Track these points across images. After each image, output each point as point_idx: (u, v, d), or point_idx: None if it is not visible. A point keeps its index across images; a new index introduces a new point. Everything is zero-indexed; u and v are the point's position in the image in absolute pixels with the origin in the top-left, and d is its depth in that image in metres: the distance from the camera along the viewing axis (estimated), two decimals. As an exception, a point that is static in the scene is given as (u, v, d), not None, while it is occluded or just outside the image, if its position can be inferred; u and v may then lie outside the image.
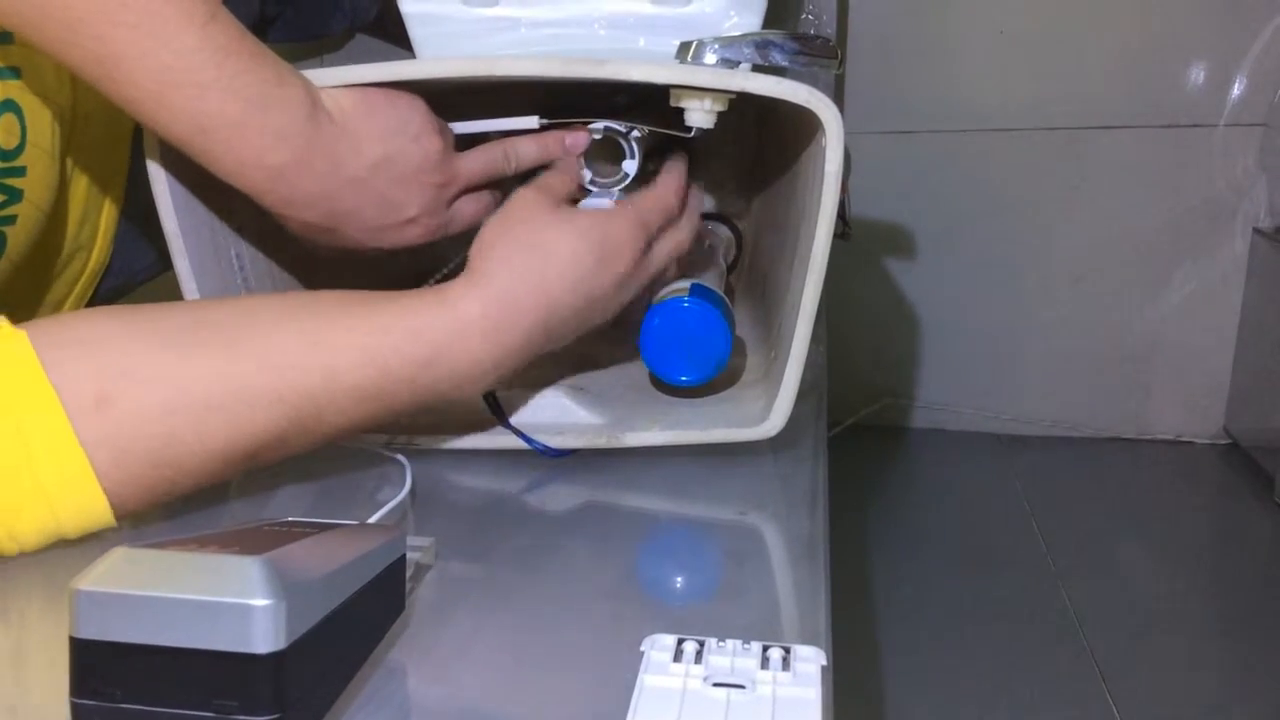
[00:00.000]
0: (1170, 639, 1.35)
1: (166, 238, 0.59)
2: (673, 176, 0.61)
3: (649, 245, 0.57)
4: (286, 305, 0.49)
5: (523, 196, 0.55)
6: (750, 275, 0.85)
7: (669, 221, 0.59)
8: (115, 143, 0.71)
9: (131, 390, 0.43)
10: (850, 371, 1.89)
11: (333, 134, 0.54)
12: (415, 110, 0.58)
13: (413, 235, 0.60)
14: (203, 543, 0.33)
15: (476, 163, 0.62)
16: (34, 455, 0.41)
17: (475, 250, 0.53)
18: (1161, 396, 1.86)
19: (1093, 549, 1.56)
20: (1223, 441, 1.84)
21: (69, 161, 0.66)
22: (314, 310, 0.49)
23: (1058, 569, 1.50)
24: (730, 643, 0.39)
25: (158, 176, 0.58)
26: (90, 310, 0.46)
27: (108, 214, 0.72)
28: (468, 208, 0.63)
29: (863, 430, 1.90)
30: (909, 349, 1.94)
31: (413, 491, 0.55)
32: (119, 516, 0.44)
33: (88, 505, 0.42)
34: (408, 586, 0.42)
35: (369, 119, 0.56)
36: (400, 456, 0.58)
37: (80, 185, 0.68)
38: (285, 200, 0.54)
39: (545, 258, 0.52)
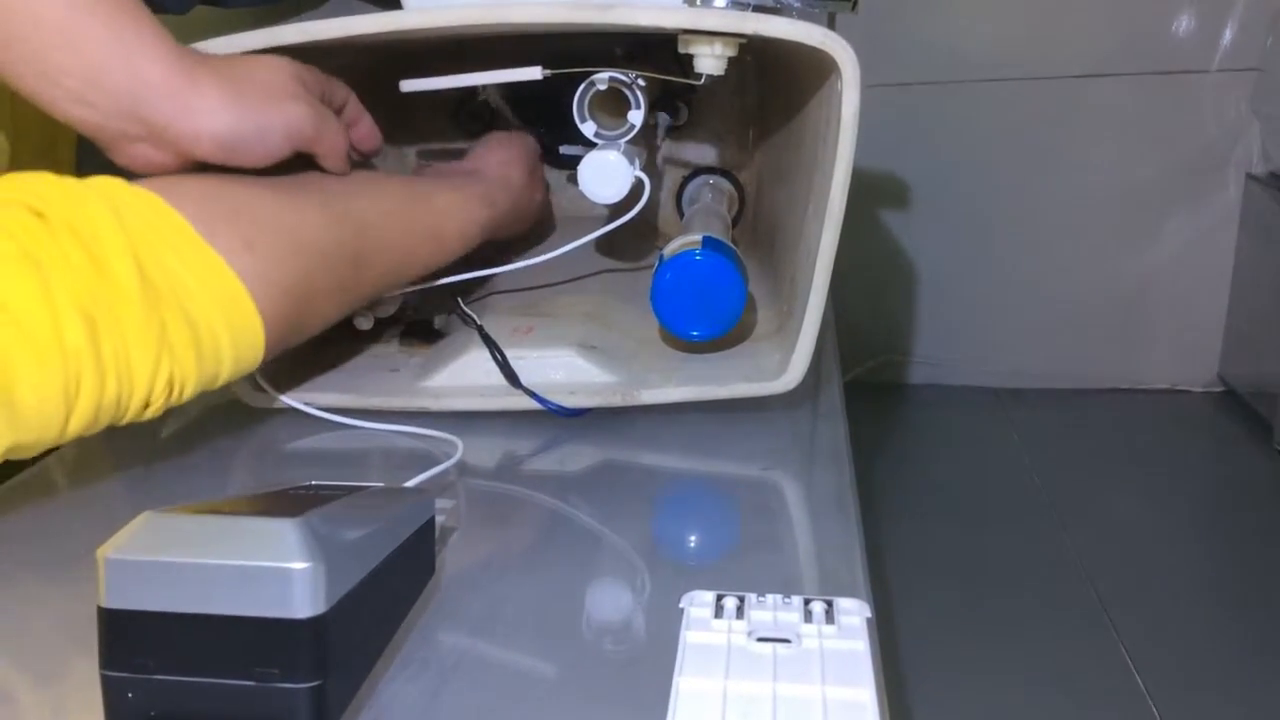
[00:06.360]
0: (1174, 585, 1.36)
1: None
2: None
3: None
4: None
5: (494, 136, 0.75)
6: (755, 229, 0.83)
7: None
8: None
9: (268, 238, 0.48)
10: (845, 328, 1.89)
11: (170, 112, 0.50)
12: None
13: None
14: (230, 506, 0.32)
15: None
16: (191, 291, 0.43)
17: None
18: (1156, 345, 1.86)
19: (1093, 498, 1.56)
20: (1218, 389, 1.85)
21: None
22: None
23: (1059, 518, 1.50)
24: (770, 597, 0.38)
25: None
26: (210, 175, 0.49)
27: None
28: None
29: (860, 387, 1.89)
30: (904, 304, 1.93)
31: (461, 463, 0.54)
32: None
33: (245, 325, 0.46)
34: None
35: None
36: (447, 434, 0.56)
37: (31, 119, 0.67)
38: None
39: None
